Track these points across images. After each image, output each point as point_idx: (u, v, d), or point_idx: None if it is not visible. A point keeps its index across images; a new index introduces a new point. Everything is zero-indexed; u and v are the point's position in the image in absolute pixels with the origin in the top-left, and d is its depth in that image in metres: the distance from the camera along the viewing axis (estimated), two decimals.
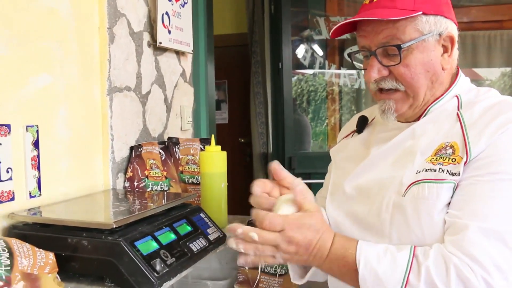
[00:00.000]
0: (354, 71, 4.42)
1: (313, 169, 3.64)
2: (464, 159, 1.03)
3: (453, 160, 1.05)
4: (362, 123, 1.37)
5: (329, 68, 4.48)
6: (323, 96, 4.67)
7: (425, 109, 1.18)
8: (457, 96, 1.18)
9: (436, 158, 1.08)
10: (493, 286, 0.92)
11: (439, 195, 1.04)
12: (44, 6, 1.42)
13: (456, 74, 1.22)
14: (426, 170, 1.08)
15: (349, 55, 1.28)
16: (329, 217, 1.29)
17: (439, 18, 1.14)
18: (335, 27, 1.19)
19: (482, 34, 4.57)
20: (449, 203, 1.04)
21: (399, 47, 1.11)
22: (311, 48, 4.42)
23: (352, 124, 1.42)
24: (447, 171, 1.05)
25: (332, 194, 1.30)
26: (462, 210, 1.01)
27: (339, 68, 4.48)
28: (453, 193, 1.04)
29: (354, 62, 1.35)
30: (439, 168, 1.06)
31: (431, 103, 1.18)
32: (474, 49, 4.58)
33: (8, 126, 1.28)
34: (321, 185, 1.45)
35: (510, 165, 1.01)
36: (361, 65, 1.26)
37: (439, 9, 1.14)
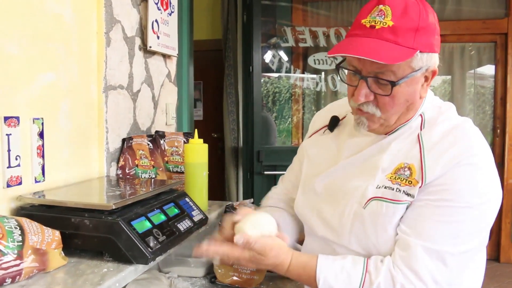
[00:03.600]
0: (315, 76, 4.50)
1: (278, 161, 3.66)
2: (419, 184, 1.05)
3: (410, 182, 1.07)
4: (334, 123, 1.33)
5: (295, 73, 4.53)
6: (286, 97, 4.72)
7: (395, 127, 1.16)
8: (421, 115, 1.16)
9: (395, 177, 1.09)
10: None
11: (395, 213, 1.07)
12: (51, 12, 1.43)
13: None
14: (385, 187, 1.10)
15: (337, 67, 1.17)
16: (298, 208, 1.32)
17: (431, 55, 1.08)
18: (335, 51, 1.08)
19: None
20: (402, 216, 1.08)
21: (392, 84, 1.05)
22: (278, 54, 4.47)
23: (324, 119, 1.37)
24: (404, 191, 1.07)
25: (304, 187, 1.31)
26: (411, 228, 1.05)
27: (303, 73, 4.55)
28: (406, 209, 1.07)
29: (339, 76, 1.26)
30: (397, 188, 1.08)
31: (402, 123, 1.16)
32: None
33: (17, 118, 1.28)
34: None
35: (457, 195, 1.03)
36: (339, 76, 1.22)
37: (432, 45, 1.08)
